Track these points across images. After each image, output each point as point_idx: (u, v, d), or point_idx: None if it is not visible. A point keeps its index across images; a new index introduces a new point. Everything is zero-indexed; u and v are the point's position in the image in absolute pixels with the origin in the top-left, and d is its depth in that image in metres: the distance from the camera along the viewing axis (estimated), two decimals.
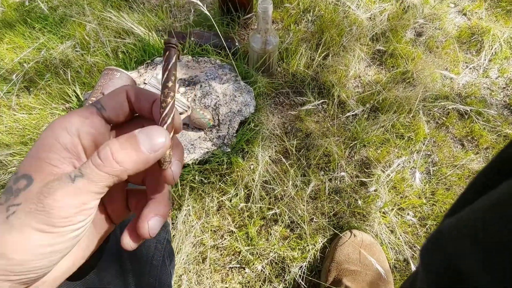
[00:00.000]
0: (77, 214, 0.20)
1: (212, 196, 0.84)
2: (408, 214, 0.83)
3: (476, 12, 1.19)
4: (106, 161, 0.21)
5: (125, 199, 0.28)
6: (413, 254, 0.81)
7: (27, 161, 0.22)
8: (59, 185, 0.20)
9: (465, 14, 1.19)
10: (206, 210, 0.83)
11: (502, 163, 0.27)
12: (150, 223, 0.24)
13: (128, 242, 0.25)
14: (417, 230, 0.83)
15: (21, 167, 0.22)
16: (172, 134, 0.24)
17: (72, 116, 0.23)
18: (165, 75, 0.24)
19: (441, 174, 0.90)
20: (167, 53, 0.24)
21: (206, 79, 0.95)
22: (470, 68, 1.08)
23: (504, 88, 1.06)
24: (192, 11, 1.07)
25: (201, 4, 0.84)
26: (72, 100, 0.97)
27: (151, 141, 0.22)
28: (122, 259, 0.41)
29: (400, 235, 0.82)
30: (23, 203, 0.20)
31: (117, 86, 0.82)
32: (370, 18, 1.13)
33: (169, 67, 0.24)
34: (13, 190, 0.21)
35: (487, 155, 0.93)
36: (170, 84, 0.24)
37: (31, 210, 0.20)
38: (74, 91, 0.97)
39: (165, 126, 0.24)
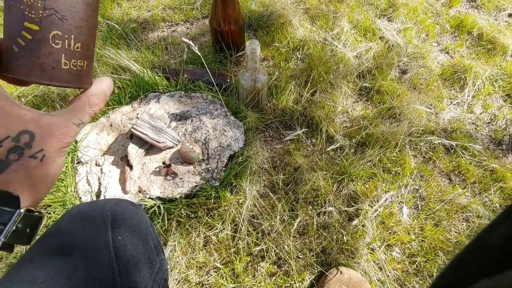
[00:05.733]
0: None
1: (199, 231, 0.83)
2: (394, 250, 0.82)
3: (458, 51, 1.24)
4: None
5: None
6: None
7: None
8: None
9: (447, 53, 1.25)
10: (192, 245, 0.82)
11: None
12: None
13: None
14: (407, 267, 0.82)
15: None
16: None
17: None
18: None
19: (429, 209, 0.90)
20: None
21: (197, 114, 0.98)
22: (455, 104, 1.12)
23: (489, 123, 1.09)
24: (186, 49, 1.12)
25: (192, 44, 0.88)
26: None
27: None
28: None
29: (389, 272, 0.81)
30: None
31: None
32: (356, 56, 1.18)
33: None
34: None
35: (474, 190, 0.94)
36: None
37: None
38: None
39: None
